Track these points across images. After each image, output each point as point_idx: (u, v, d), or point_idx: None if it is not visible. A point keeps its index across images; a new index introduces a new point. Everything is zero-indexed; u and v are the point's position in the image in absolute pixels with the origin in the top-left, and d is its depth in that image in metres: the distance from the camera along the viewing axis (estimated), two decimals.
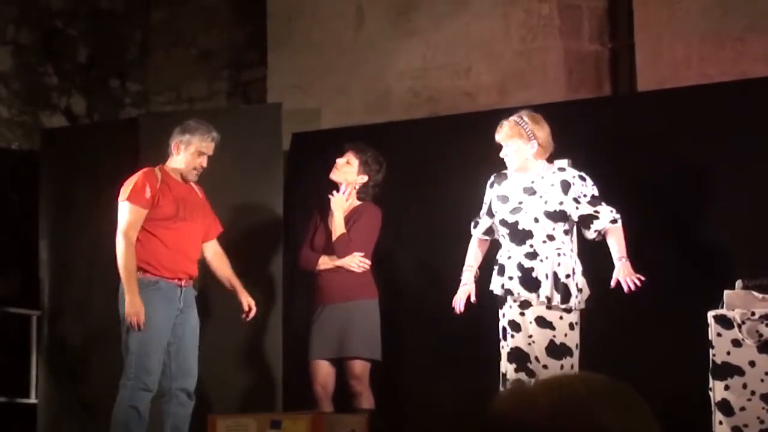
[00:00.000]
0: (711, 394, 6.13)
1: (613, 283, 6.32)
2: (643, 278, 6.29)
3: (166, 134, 8.14)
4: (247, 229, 7.97)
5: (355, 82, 8.76)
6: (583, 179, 6.43)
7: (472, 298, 6.52)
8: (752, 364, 6.06)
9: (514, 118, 6.45)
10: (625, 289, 6.31)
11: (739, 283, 6.33)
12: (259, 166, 7.98)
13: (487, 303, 6.50)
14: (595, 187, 6.43)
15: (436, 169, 7.77)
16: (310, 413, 6.33)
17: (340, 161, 7.22)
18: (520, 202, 6.43)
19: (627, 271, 6.32)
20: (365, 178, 7.20)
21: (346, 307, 6.97)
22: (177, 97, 10.02)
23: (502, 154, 6.45)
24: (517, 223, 6.39)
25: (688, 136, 7.22)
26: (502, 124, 6.45)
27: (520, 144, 6.40)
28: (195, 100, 9.91)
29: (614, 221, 6.38)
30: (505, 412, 1.65)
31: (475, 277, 6.57)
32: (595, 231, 6.39)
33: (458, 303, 6.53)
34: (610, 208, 6.39)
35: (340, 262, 7.04)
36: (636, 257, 7.05)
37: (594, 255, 6.50)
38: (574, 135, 7.15)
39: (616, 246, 6.36)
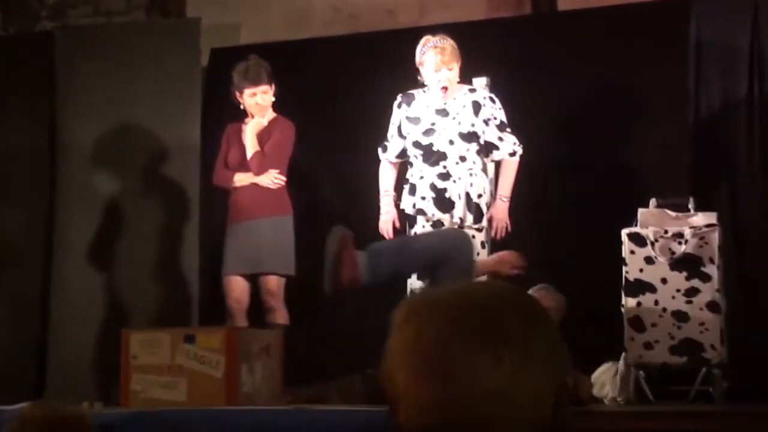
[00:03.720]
0: (623, 310, 6.22)
1: (487, 218, 6.35)
2: (509, 229, 6.34)
3: (82, 48, 8.06)
4: (165, 146, 7.91)
5: None
6: (493, 101, 6.44)
7: (396, 224, 6.54)
8: (664, 281, 6.16)
9: (450, 42, 6.37)
10: (492, 233, 6.37)
11: (653, 202, 6.41)
12: (177, 82, 7.90)
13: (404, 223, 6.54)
14: (502, 111, 6.43)
15: (355, 86, 7.73)
16: (224, 328, 6.32)
17: (260, 93, 6.96)
18: (433, 123, 6.40)
19: (502, 215, 6.38)
20: (273, 88, 7.05)
21: (260, 223, 6.92)
22: (94, 11, 9.84)
23: (443, 81, 6.35)
24: (431, 144, 6.38)
25: (609, 57, 7.24)
26: (444, 47, 6.33)
27: (457, 67, 6.38)
28: (113, 13, 9.74)
29: (512, 153, 6.41)
30: (408, 316, 1.64)
31: (394, 200, 6.58)
32: (493, 161, 6.45)
33: (386, 230, 6.54)
34: (513, 139, 6.40)
35: (255, 180, 6.98)
36: (553, 175, 7.11)
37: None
38: (493, 54, 7.15)
39: (504, 182, 6.42)
